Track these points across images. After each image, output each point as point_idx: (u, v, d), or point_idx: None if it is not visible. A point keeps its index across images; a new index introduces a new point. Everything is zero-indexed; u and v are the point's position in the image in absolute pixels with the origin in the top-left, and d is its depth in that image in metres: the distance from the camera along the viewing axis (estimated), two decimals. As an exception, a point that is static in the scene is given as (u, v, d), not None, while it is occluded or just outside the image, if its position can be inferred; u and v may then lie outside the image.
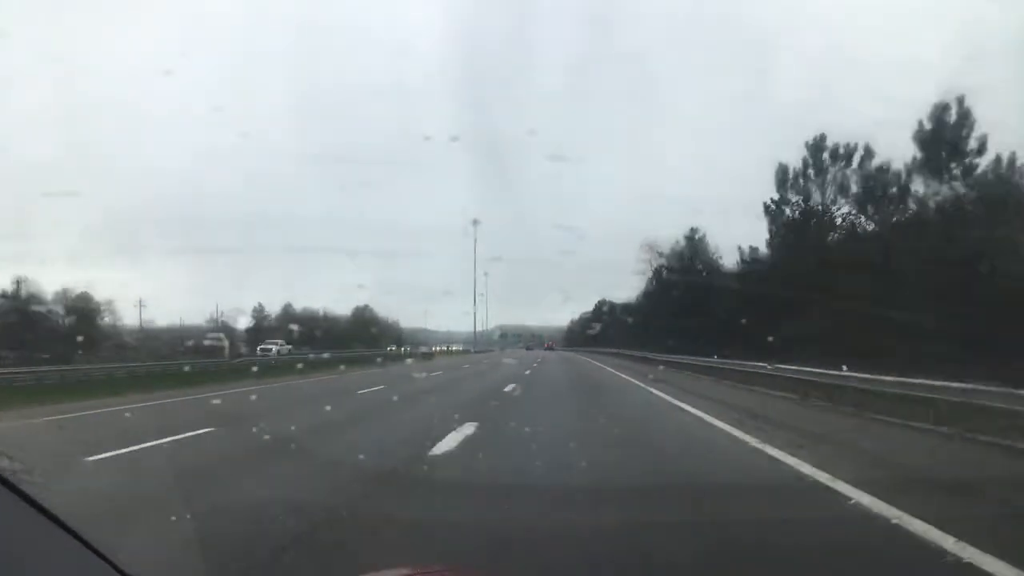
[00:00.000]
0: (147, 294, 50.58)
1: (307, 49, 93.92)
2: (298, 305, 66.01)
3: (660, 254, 48.51)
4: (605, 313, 76.65)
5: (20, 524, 0.91)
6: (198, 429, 9.91)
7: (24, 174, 51.18)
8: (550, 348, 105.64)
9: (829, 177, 33.92)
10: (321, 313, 69.74)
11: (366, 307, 77.92)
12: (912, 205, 29.77)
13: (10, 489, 0.91)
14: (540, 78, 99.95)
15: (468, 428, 10.03)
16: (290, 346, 50.57)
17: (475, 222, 61.47)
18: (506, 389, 18.72)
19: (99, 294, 43.13)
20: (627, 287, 68.54)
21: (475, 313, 66.08)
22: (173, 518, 4.74)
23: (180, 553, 4.09)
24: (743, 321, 25.87)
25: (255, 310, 60.78)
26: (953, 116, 28.33)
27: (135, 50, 78.87)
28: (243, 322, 57.66)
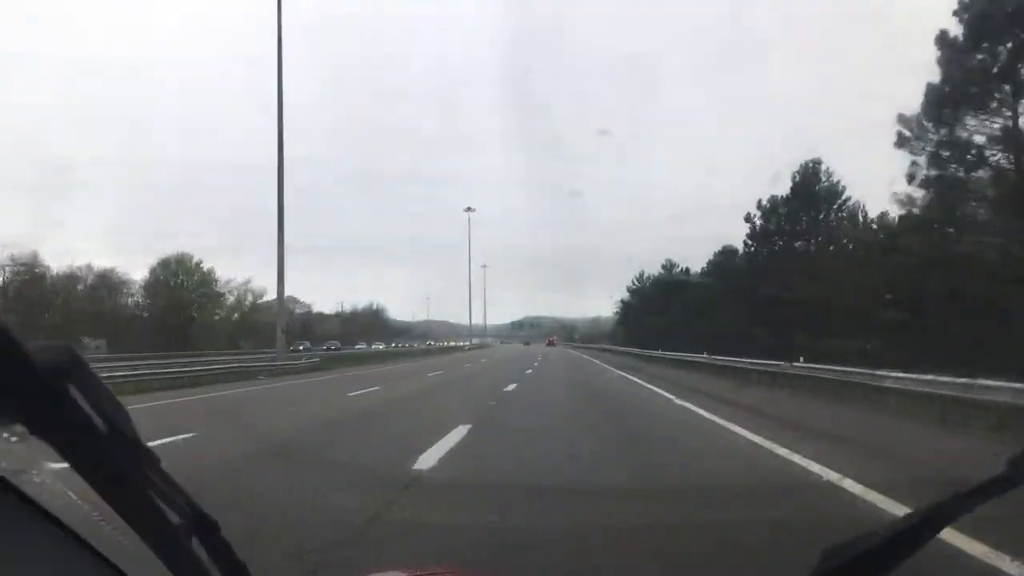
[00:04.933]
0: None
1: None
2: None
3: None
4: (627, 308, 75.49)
5: (20, 524, 0.87)
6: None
7: None
8: (551, 344, 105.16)
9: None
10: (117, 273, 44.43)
11: (183, 256, 49.30)
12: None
13: (10, 489, 0.87)
14: (585, 65, 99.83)
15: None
16: None
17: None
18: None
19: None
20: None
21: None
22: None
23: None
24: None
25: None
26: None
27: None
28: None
